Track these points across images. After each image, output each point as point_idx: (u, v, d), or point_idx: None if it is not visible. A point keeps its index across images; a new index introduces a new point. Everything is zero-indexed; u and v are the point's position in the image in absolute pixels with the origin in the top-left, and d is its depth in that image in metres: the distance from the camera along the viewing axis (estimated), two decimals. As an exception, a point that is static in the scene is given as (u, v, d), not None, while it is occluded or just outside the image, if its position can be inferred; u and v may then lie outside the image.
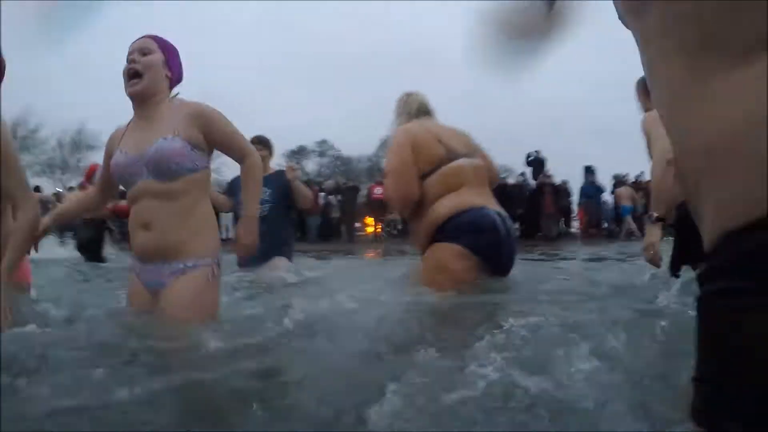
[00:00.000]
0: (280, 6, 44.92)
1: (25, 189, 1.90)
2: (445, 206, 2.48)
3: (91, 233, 5.89)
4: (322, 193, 12.54)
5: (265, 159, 3.89)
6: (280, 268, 3.66)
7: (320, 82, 44.98)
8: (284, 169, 4.03)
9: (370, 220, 13.09)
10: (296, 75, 46.14)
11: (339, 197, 12.42)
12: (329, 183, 13.53)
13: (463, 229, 2.43)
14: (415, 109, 2.79)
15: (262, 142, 4.00)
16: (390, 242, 10.89)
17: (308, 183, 13.77)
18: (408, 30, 45.12)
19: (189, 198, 1.84)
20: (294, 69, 46.24)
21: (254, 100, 40.61)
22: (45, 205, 8.09)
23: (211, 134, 1.88)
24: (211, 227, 1.94)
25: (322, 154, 33.54)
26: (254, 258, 3.51)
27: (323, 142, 33.31)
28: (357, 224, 13.18)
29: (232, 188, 4.02)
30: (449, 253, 2.44)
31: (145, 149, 1.82)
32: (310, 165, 32.88)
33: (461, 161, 2.57)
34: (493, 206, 2.54)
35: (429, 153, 2.55)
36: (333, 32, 44.74)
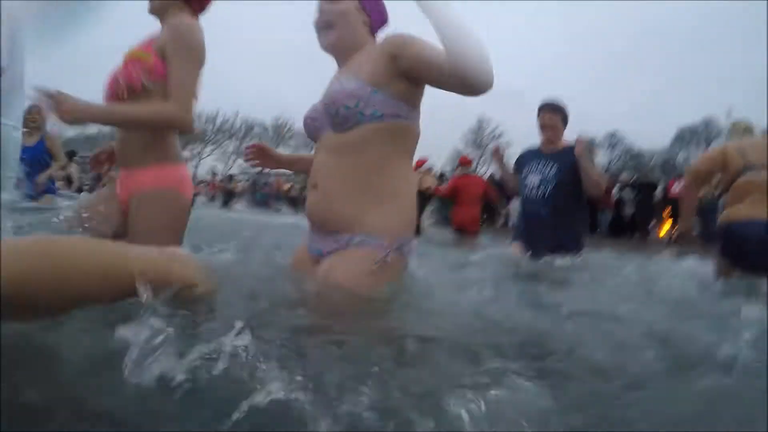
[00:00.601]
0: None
1: (185, 96, 1.71)
2: (723, 216, 2.73)
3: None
4: (617, 186, 11.88)
5: (556, 129, 3.33)
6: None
7: (605, 70, 41.66)
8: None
9: (668, 221, 11.77)
10: (583, 61, 43.61)
11: (634, 192, 11.55)
12: (624, 176, 12.68)
13: (723, 238, 2.69)
14: (740, 132, 3.14)
15: (554, 109, 3.34)
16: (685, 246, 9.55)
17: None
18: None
19: (370, 155, 1.41)
20: (580, 55, 43.82)
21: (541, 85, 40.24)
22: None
23: (402, 60, 1.39)
24: (401, 200, 1.45)
25: (611, 147, 31.36)
26: (535, 250, 3.15)
27: (613, 134, 31.10)
28: (651, 224, 12.04)
29: (520, 165, 3.49)
30: (717, 258, 2.73)
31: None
32: (599, 158, 31.18)
33: (752, 174, 2.67)
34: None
35: (731, 167, 2.74)
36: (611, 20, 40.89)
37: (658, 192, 11.80)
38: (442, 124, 34.70)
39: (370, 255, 1.38)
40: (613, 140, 31.30)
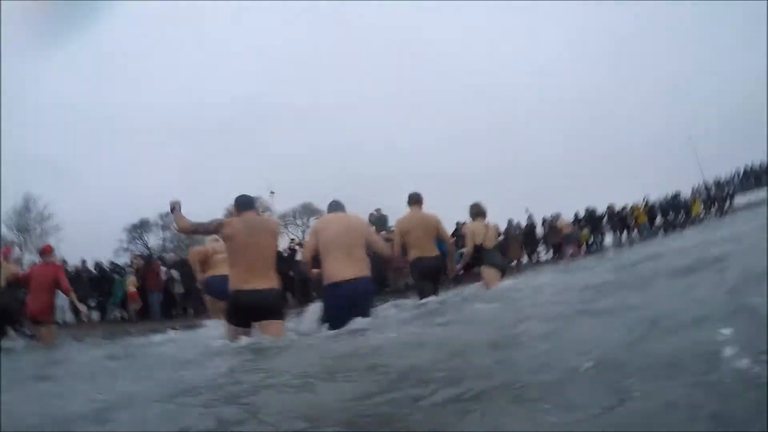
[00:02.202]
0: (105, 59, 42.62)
1: None
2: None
3: None
4: (164, 268, 12.52)
5: None
6: None
7: (157, 151, 42.96)
8: None
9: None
10: (136, 137, 43.51)
11: (180, 271, 12.40)
12: (171, 256, 13.50)
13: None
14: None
15: None
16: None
17: (150, 258, 13.58)
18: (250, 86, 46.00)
19: None
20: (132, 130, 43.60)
21: (87, 167, 37.78)
22: None
23: None
24: None
25: (165, 228, 32.10)
26: None
27: (167, 214, 31.93)
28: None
29: None
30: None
31: None
32: (153, 239, 31.37)
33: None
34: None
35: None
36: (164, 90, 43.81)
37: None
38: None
39: None
40: (166, 220, 32.05)
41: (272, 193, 28.51)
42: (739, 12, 28.14)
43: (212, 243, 5.68)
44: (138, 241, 30.56)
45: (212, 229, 4.05)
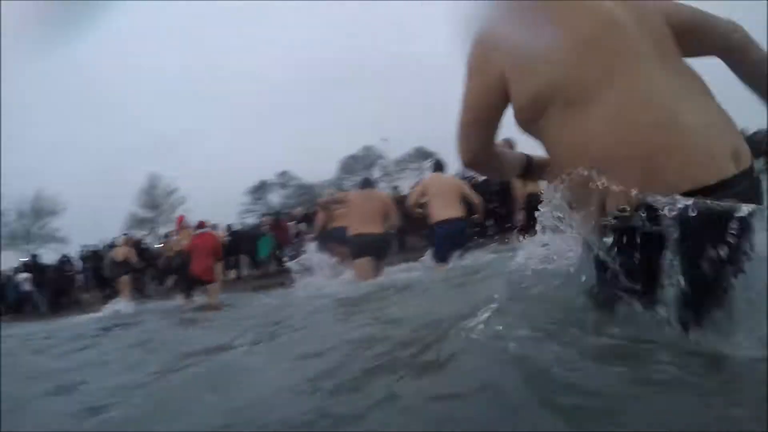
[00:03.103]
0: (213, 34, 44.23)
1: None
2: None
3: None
4: (292, 222, 12.39)
5: None
6: None
7: (267, 111, 44.30)
8: None
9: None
10: (241, 109, 45.26)
11: (309, 223, 12.18)
12: (298, 210, 13.32)
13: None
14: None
15: None
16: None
17: (277, 215, 13.56)
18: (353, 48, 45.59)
19: None
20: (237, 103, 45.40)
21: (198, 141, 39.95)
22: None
23: None
24: None
25: (284, 186, 33.16)
26: None
27: (284, 173, 32.98)
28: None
29: None
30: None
31: None
32: (275, 198, 32.45)
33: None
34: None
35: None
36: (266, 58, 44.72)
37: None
38: (111, 187, 30.54)
39: None
40: (284, 179, 33.12)
41: (385, 140, 28.47)
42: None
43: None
44: (260, 201, 31.73)
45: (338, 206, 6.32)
